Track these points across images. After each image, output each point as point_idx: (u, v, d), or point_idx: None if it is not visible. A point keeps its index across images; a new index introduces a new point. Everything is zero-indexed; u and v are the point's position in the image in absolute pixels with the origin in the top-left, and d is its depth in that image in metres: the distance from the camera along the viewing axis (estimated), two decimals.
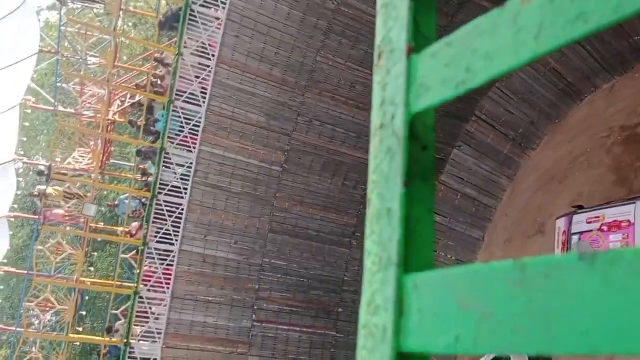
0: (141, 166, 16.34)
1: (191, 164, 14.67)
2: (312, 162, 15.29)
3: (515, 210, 15.20)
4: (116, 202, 16.93)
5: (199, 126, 14.58)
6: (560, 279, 0.54)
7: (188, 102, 14.49)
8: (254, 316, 15.30)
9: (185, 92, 14.43)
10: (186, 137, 14.59)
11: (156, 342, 14.55)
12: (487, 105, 15.19)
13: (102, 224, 20.28)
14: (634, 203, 9.83)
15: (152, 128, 15.30)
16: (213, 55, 14.28)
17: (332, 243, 15.80)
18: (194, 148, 14.64)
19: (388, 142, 0.79)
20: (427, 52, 0.77)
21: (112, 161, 19.75)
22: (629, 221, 9.72)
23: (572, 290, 0.53)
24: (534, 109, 15.30)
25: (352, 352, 15.65)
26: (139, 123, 15.62)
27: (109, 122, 16.73)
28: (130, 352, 14.38)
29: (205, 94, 14.47)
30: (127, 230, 15.45)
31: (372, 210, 0.80)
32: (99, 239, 19.20)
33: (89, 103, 18.14)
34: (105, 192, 22.96)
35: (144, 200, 15.28)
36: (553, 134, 15.34)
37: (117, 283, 15.72)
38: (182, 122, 14.55)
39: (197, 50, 14.33)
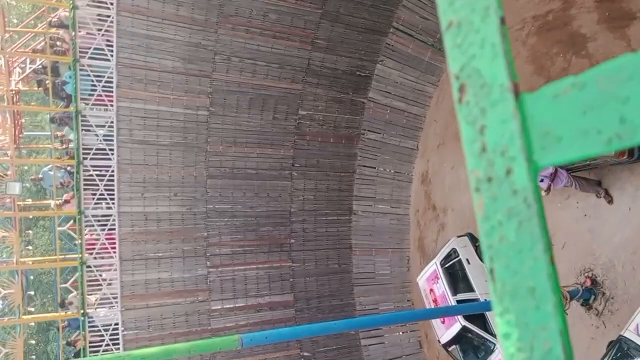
0: (58, 133, 15.57)
1: (112, 122, 14.02)
2: (239, 101, 14.96)
3: (443, 114, 15.39)
4: (40, 176, 16.24)
5: (111, 82, 13.84)
6: None
7: (95, 59, 13.69)
8: (208, 263, 15.34)
9: (90, 48, 13.57)
10: (100, 95, 13.83)
11: (114, 307, 14.39)
12: (403, 14, 15.13)
13: (30, 200, 19.44)
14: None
15: (61, 92, 14.42)
16: (112, 4, 13.41)
17: (273, 178, 15.82)
18: (111, 105, 13.95)
19: (507, 202, 0.68)
20: (545, 94, 0.67)
21: (25, 133, 18.78)
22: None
23: None
24: None
25: (309, 278, 16.29)
26: (47, 85, 14.62)
27: (13, 92, 15.69)
28: (90, 321, 14.16)
29: (112, 46, 13.68)
30: (60, 202, 14.91)
31: (502, 286, 0.69)
32: (31, 216, 18.29)
33: None
34: (26, 167, 21.96)
35: (69, 168, 14.60)
36: None
37: (60, 257, 15.42)
38: (92, 80, 13.75)
39: (94, 1, 13.38)
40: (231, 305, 15.46)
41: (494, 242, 0.69)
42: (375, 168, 16.59)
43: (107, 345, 14.04)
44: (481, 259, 12.63)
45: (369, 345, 16.29)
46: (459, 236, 13.37)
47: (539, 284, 0.66)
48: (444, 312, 10.58)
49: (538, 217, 0.65)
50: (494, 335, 11.77)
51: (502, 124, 0.69)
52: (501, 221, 0.68)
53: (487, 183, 0.70)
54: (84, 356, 13.73)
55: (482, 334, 11.89)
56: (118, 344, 14.15)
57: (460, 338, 12.32)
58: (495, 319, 0.72)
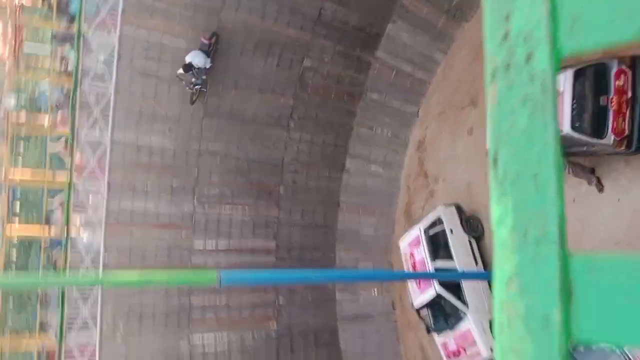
0: (59, 51, 15.36)
1: (113, 48, 13.78)
2: (244, 42, 14.70)
3: (448, 83, 15.27)
4: (36, 93, 16.24)
5: (117, 6, 13.52)
6: None
7: None
8: (195, 201, 15.33)
9: None
10: (105, 18, 13.58)
11: (97, 231, 14.38)
12: None
13: (24, 111, 18.78)
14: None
15: (66, 10, 14.34)
16: None
17: (270, 125, 15.72)
18: (115, 30, 13.67)
19: (523, 88, 0.67)
20: None
21: (25, 51, 18.46)
22: None
23: None
24: None
25: (294, 228, 16.34)
26: (51, 1, 14.46)
27: (16, 5, 15.41)
28: (72, 243, 14.28)
29: None
30: (55, 120, 14.96)
31: (504, 172, 0.70)
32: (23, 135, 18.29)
33: None
34: (23, 82, 21.98)
35: (66, 87, 14.48)
36: None
37: (48, 179, 15.38)
38: (98, 2, 13.51)
39: None
40: (213, 246, 15.61)
41: (502, 130, 0.69)
42: (372, 129, 16.52)
43: (87, 268, 14.22)
44: (465, 231, 12.79)
45: (343, 300, 16.61)
46: (446, 205, 13.48)
47: (543, 170, 0.65)
48: (421, 276, 10.76)
49: (552, 103, 0.65)
50: (467, 305, 12.04)
51: (530, 8, 0.67)
52: (514, 108, 0.68)
53: (504, 71, 0.69)
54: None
55: (454, 302, 12.15)
56: (98, 267, 14.33)
57: (433, 304, 12.58)
58: (491, 206, 0.72)
